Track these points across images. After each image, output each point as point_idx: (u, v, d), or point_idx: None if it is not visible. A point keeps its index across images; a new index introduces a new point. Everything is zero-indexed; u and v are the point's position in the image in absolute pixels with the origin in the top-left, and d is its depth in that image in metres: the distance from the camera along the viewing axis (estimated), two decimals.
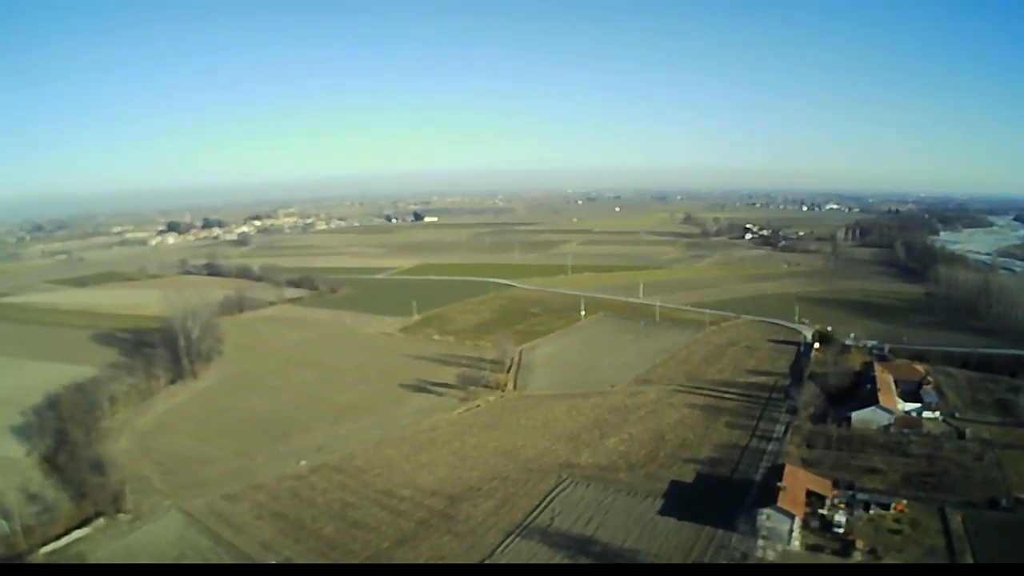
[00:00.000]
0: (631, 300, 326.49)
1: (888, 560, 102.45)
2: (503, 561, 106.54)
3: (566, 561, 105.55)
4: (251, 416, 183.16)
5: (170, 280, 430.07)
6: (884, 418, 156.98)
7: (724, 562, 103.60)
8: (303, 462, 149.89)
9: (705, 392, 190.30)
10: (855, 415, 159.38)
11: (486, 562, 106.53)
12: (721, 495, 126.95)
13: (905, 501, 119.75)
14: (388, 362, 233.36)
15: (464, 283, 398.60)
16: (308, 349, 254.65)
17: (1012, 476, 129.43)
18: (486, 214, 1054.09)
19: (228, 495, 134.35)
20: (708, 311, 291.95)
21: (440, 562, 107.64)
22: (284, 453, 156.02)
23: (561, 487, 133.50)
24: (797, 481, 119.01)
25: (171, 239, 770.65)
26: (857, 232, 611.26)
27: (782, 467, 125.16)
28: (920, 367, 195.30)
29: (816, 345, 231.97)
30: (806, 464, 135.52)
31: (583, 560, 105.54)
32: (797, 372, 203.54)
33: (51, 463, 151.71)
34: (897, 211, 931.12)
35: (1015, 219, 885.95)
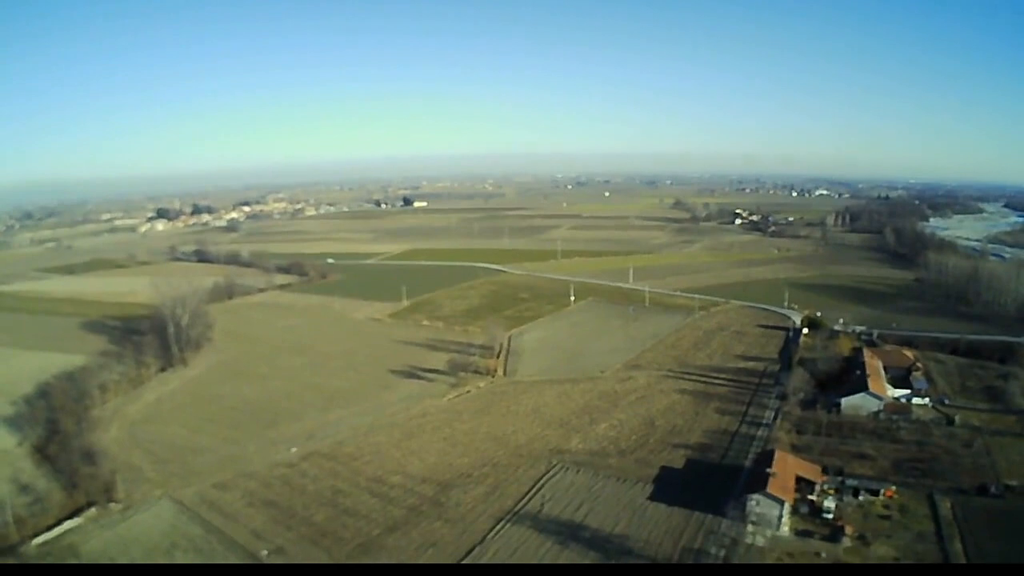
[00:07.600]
0: (621, 285, 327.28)
1: (877, 545, 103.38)
2: (493, 548, 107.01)
3: (556, 547, 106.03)
4: (241, 404, 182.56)
5: (159, 267, 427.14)
6: (874, 404, 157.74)
7: (714, 548, 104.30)
8: (294, 449, 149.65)
9: (695, 378, 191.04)
10: (845, 401, 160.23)
11: (476, 548, 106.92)
12: (711, 481, 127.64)
13: (894, 487, 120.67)
14: (377, 348, 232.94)
15: (453, 268, 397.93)
16: (298, 335, 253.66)
17: (1001, 463, 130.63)
18: (475, 199, 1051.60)
19: (219, 483, 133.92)
20: (698, 296, 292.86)
21: (431, 547, 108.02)
22: (275, 440, 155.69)
23: (551, 473, 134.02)
24: (787, 467, 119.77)
25: (160, 226, 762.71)
26: (847, 218, 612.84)
27: (772, 453, 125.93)
28: (910, 353, 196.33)
29: (805, 331, 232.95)
30: (796, 450, 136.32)
31: (573, 545, 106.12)
32: (786, 358, 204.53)
33: (42, 453, 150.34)
34: (887, 197, 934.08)
35: (1005, 206, 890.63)
